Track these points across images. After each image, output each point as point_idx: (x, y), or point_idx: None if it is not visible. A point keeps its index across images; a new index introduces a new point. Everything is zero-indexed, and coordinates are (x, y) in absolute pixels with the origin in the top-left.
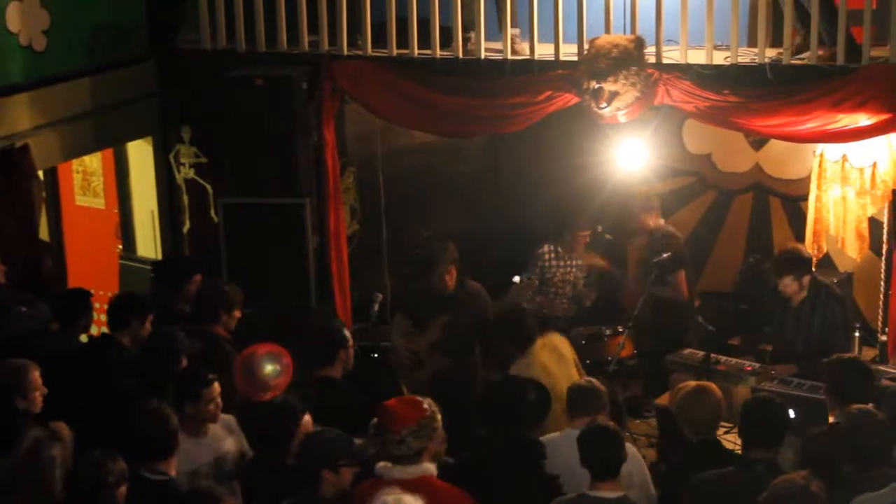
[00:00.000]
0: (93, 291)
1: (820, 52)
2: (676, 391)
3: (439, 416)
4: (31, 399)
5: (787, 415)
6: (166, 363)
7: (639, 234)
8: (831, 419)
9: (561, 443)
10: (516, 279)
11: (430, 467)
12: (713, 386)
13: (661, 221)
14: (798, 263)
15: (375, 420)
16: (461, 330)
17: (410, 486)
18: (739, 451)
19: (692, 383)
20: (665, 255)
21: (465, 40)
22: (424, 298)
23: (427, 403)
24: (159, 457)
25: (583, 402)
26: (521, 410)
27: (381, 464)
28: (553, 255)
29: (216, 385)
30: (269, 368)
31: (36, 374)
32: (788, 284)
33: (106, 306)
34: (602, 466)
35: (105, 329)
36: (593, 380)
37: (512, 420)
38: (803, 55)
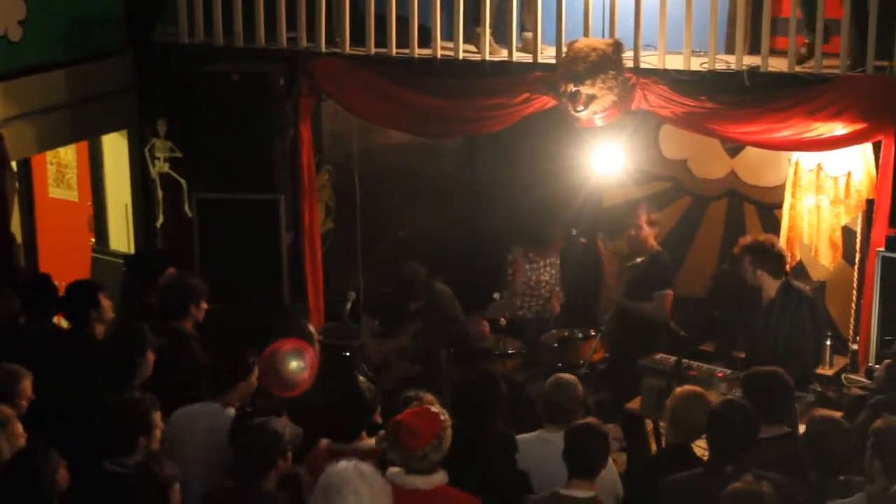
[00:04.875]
0: (63, 283)
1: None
2: (674, 394)
3: (450, 423)
4: (18, 406)
5: (756, 419)
6: (131, 359)
7: (633, 249)
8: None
9: (532, 443)
10: (496, 296)
11: (444, 475)
12: (710, 396)
13: (654, 242)
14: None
15: (390, 433)
16: (430, 338)
17: (430, 497)
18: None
19: (690, 388)
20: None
21: (476, 35)
22: (394, 304)
23: (442, 414)
24: (119, 451)
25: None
26: (492, 402)
27: (394, 470)
28: (524, 260)
29: None
30: (293, 365)
31: (27, 383)
32: (746, 268)
33: None
34: (584, 465)
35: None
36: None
37: (484, 411)
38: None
